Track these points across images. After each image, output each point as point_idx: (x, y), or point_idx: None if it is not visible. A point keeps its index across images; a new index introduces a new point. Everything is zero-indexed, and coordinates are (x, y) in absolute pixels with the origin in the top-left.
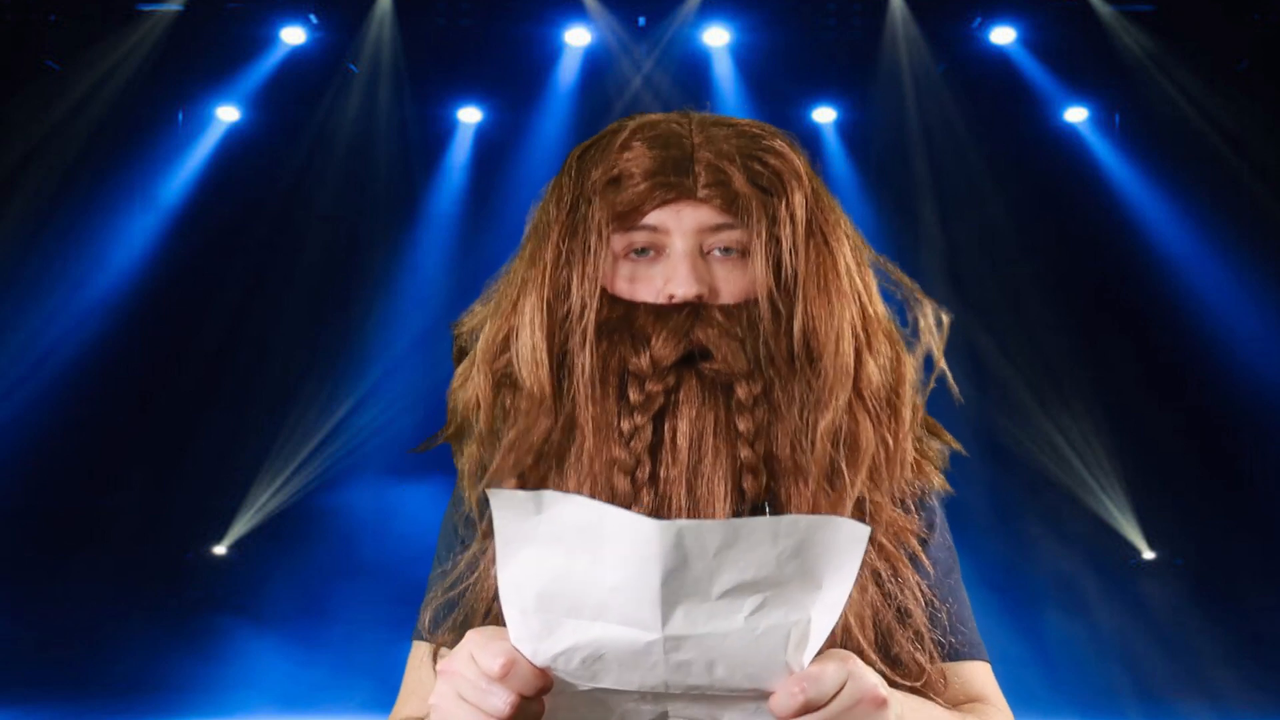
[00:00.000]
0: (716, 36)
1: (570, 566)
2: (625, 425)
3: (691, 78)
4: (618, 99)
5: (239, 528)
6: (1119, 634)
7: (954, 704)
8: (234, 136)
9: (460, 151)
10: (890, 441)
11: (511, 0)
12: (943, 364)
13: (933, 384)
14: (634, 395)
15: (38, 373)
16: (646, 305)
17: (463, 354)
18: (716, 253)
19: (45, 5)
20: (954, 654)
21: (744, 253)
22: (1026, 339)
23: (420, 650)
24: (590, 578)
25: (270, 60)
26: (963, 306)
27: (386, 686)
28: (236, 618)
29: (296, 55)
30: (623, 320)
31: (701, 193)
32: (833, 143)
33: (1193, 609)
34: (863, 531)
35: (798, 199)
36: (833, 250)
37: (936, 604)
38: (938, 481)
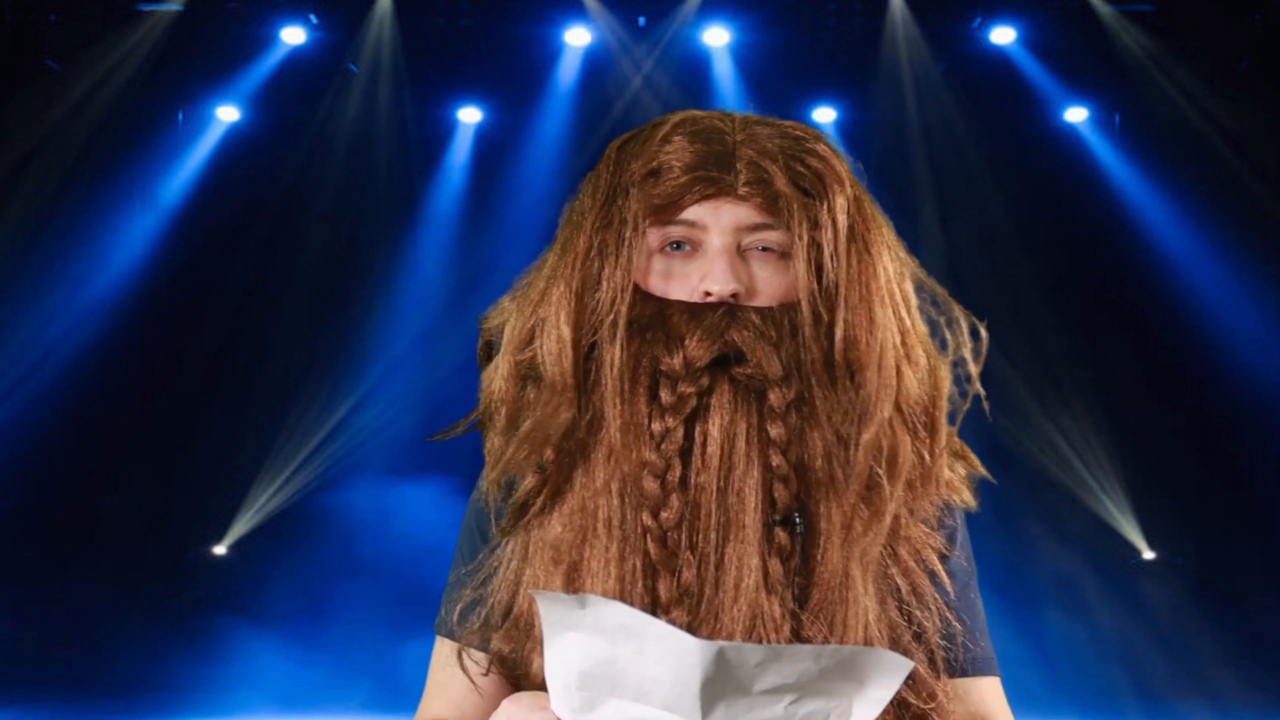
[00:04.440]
0: (716, 36)
1: (614, 654)
2: (656, 427)
3: (691, 78)
4: (618, 99)
5: (239, 528)
6: (1119, 634)
7: None
8: (234, 136)
9: (460, 151)
10: (926, 457)
11: (511, 0)
12: (979, 387)
13: (967, 406)
14: (665, 396)
15: (38, 373)
16: (681, 303)
17: (488, 349)
18: (755, 251)
19: (45, 5)
20: (965, 669)
21: (783, 254)
22: (1026, 339)
23: (445, 647)
24: (633, 666)
25: (270, 60)
26: (963, 306)
27: (386, 686)
28: (236, 618)
29: (296, 55)
30: (655, 318)
31: (742, 190)
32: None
33: (1193, 609)
34: (905, 664)
35: (839, 203)
36: (874, 258)
37: (953, 621)
38: (965, 497)
